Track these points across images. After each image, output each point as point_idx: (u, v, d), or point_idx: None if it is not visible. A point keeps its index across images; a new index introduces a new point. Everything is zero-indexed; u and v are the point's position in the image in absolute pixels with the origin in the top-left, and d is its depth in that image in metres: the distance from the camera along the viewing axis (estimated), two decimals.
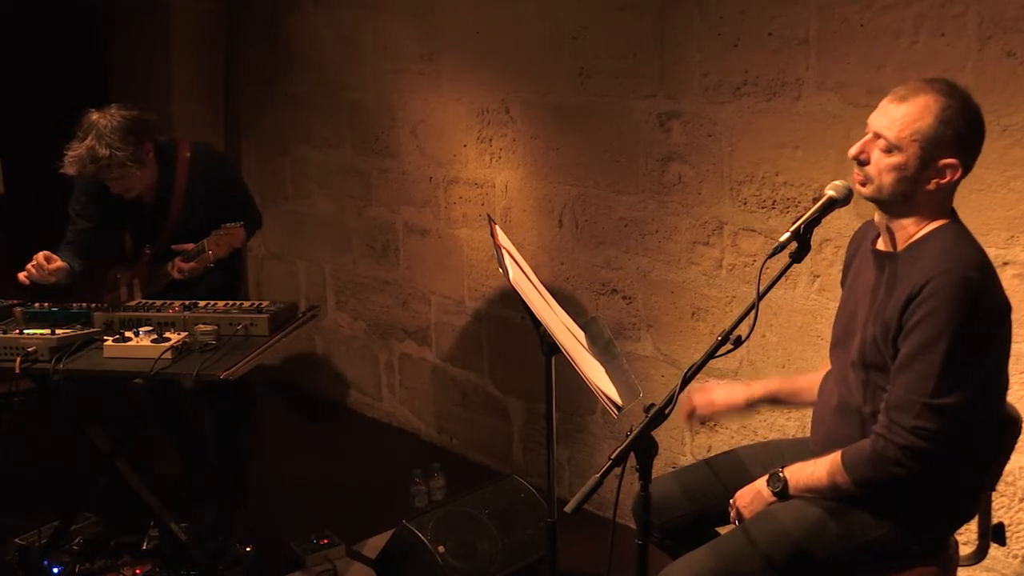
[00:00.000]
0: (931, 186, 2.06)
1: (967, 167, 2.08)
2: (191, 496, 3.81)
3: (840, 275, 2.47)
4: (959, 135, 2.03)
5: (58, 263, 3.38)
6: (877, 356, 2.12)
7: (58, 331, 3.03)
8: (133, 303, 3.39)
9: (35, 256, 3.37)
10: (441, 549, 3.17)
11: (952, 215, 2.14)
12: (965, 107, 2.05)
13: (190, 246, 3.48)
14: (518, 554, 3.31)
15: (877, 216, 2.20)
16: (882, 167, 2.08)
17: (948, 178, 2.05)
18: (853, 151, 2.12)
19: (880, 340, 2.11)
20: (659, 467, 2.51)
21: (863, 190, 2.12)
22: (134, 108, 3.41)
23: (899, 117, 2.05)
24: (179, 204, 3.58)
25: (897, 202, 2.10)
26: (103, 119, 3.30)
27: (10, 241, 5.28)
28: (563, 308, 2.74)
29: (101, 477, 3.24)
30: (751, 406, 2.54)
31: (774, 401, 2.56)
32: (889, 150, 2.06)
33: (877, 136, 2.08)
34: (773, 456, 2.43)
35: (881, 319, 2.10)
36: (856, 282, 2.28)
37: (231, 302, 3.33)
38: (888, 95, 2.09)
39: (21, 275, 3.36)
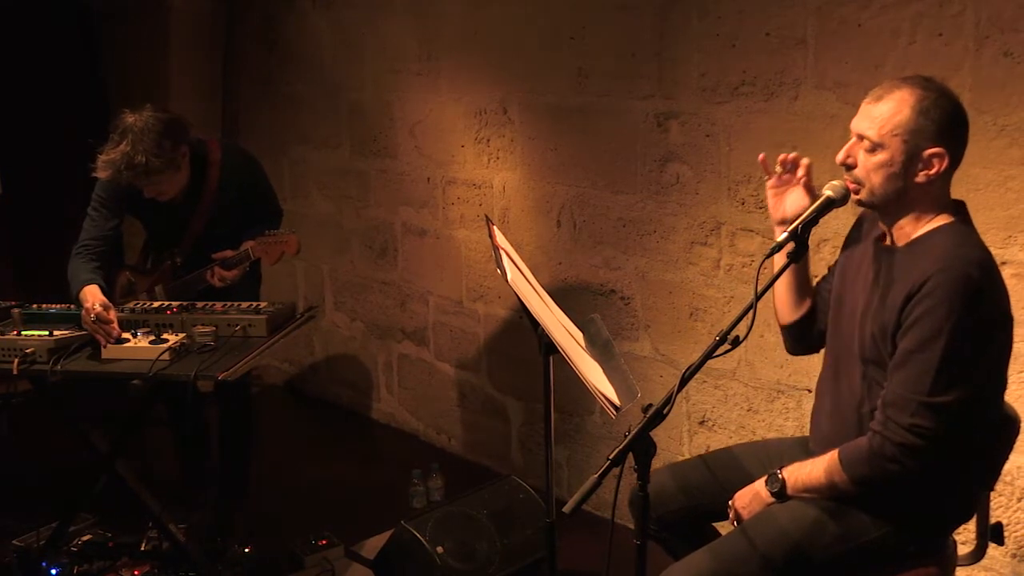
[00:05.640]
0: (921, 179, 2.06)
1: (954, 156, 2.07)
2: (190, 497, 3.80)
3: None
4: (939, 123, 2.03)
5: (112, 311, 3.05)
6: (875, 353, 2.13)
7: (56, 332, 3.02)
8: (132, 304, 3.37)
9: (92, 310, 2.98)
10: (440, 550, 3.17)
11: (956, 211, 2.13)
12: (942, 96, 2.05)
13: (230, 253, 3.35)
14: (517, 555, 3.30)
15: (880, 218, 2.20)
16: (869, 167, 2.09)
17: (936, 168, 2.05)
18: (840, 156, 2.14)
19: (879, 337, 2.11)
20: (657, 468, 2.51)
21: (857, 197, 2.13)
22: (168, 110, 3.28)
23: (878, 115, 2.06)
24: (209, 205, 3.45)
25: (891, 202, 2.11)
26: (139, 122, 3.16)
27: (10, 241, 5.28)
28: (561, 308, 2.73)
29: (100, 478, 3.23)
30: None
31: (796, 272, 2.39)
32: (873, 149, 2.07)
33: (861, 138, 2.10)
34: (770, 455, 2.43)
35: (880, 316, 2.10)
36: (856, 275, 2.26)
37: (229, 303, 3.31)
38: (866, 97, 2.11)
39: (102, 342, 2.99)
